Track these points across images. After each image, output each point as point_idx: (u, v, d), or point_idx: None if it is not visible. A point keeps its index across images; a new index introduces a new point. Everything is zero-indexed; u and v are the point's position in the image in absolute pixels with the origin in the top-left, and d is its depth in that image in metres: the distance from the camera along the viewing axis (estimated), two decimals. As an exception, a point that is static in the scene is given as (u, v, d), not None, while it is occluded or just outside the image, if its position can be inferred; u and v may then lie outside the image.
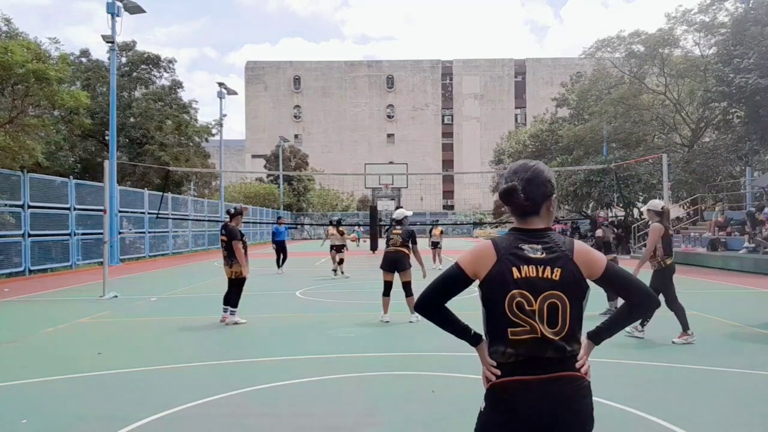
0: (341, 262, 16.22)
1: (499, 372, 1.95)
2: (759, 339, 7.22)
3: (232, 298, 8.47)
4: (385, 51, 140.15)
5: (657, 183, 25.40)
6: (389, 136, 79.36)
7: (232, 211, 8.73)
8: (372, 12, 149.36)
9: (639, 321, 7.06)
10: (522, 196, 1.98)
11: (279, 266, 17.30)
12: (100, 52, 69.81)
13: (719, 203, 26.22)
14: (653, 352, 6.43)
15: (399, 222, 8.69)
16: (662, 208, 7.27)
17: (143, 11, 22.46)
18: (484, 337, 2.04)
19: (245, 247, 8.51)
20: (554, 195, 2.06)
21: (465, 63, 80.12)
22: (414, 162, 64.62)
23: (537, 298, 1.91)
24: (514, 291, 1.91)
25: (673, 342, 6.91)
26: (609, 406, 4.46)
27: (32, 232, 16.54)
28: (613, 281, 2.00)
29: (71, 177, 19.50)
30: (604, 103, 28.90)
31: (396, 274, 8.47)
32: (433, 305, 2.04)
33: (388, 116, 79.58)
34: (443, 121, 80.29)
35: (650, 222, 7.47)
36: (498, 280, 1.93)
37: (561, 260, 1.94)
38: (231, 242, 8.37)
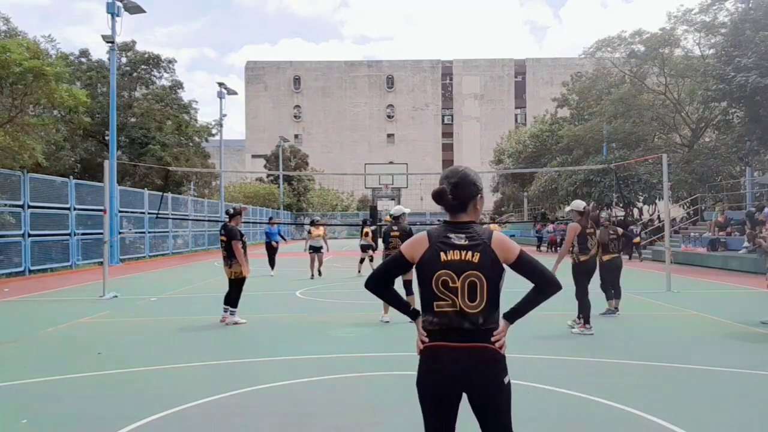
0: (371, 259, 16.00)
1: (427, 340, 2.35)
2: (758, 339, 7.22)
3: (231, 298, 8.47)
4: (385, 52, 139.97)
5: (657, 183, 25.41)
6: (389, 136, 79.29)
7: (231, 211, 8.72)
8: (371, 13, 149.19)
9: (579, 316, 7.47)
10: (450, 197, 2.39)
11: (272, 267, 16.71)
12: (100, 52, 69.75)
13: (719, 203, 26.20)
14: (653, 352, 6.43)
15: (396, 219, 8.65)
16: (584, 208, 7.75)
17: (143, 11, 22.44)
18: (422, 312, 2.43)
19: (245, 247, 8.51)
20: (480, 195, 2.44)
21: (465, 63, 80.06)
22: (414, 162, 64.55)
23: (459, 276, 2.30)
24: (441, 271, 2.31)
25: (572, 332, 7.40)
26: (609, 406, 4.46)
27: (32, 232, 16.53)
28: (524, 267, 2.37)
29: (71, 177, 19.49)
30: (604, 103, 28.88)
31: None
32: (379, 281, 2.52)
33: (388, 116, 79.52)
34: (443, 121, 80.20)
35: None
36: (429, 262, 2.35)
37: (480, 246, 2.32)
38: (230, 242, 8.37)
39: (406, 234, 8.45)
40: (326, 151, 76.41)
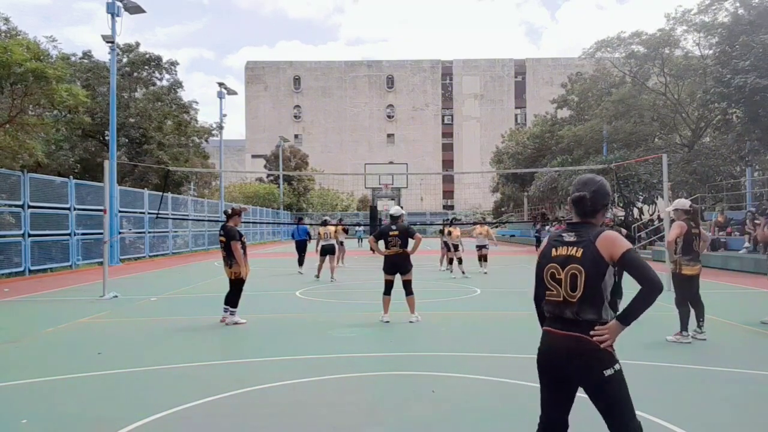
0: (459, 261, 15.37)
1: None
2: (758, 339, 7.23)
3: (231, 299, 8.46)
4: (382, 54, 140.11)
5: (657, 183, 25.40)
6: (389, 136, 79.33)
7: (230, 211, 8.69)
8: (366, 16, 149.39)
9: (697, 325, 7.10)
10: (588, 204, 2.65)
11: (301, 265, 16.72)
12: (101, 52, 69.72)
13: (719, 203, 26.19)
14: (653, 352, 6.43)
15: (395, 219, 8.68)
16: (690, 207, 7.13)
17: (143, 11, 22.44)
18: None
19: (244, 248, 8.48)
20: (607, 207, 2.72)
21: (465, 63, 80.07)
22: (414, 162, 64.60)
23: (564, 269, 2.59)
24: (550, 264, 2.65)
25: (668, 339, 7.04)
26: (609, 406, 4.43)
27: (32, 232, 16.52)
28: (626, 265, 2.50)
29: (71, 177, 19.47)
30: (605, 104, 28.89)
31: (397, 274, 8.49)
32: (537, 296, 2.81)
33: (388, 116, 79.55)
34: (443, 121, 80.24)
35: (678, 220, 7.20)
36: (544, 257, 2.71)
37: (584, 243, 2.56)
38: (229, 243, 8.35)
39: (404, 231, 8.49)
40: (326, 151, 76.45)
